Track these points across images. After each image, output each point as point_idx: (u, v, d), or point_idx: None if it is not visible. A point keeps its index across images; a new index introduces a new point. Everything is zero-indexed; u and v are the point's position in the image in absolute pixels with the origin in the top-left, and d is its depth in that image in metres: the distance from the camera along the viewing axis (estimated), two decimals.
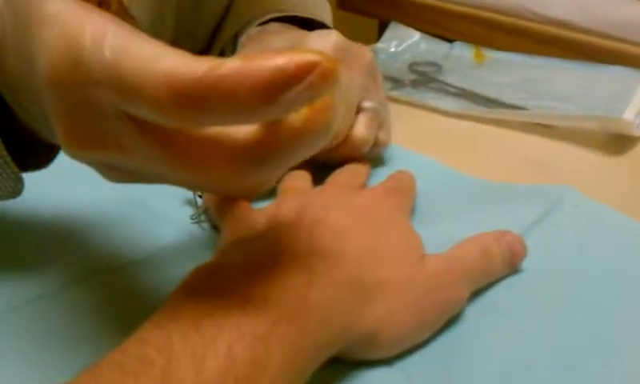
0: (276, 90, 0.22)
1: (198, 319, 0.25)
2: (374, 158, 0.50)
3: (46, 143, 0.34)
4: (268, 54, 0.22)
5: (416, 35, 0.85)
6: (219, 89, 0.22)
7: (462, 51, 0.81)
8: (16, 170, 0.34)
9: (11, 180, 0.34)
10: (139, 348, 0.24)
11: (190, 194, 0.44)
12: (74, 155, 0.28)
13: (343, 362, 0.31)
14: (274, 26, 0.56)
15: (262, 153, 0.25)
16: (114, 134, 0.26)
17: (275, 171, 0.27)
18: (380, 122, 0.49)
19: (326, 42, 0.47)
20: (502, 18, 1.14)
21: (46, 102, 0.27)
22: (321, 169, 0.46)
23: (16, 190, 0.35)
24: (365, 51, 0.50)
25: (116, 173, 0.29)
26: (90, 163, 0.29)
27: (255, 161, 0.25)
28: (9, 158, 0.33)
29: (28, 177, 0.35)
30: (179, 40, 0.65)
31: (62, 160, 0.47)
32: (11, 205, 0.39)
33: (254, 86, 0.22)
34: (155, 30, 0.59)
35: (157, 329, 0.25)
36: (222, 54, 0.66)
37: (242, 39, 0.57)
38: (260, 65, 0.22)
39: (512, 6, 1.14)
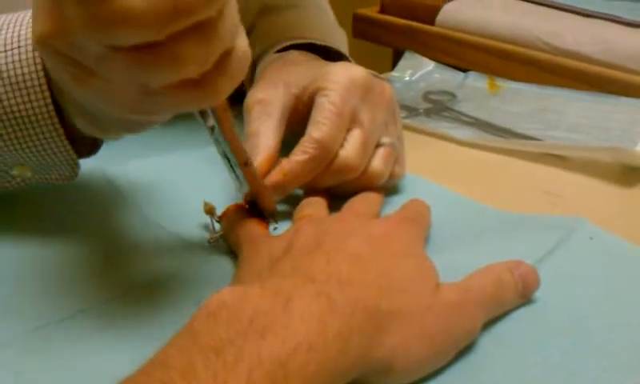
0: None
1: (219, 345, 0.25)
2: (388, 187, 0.51)
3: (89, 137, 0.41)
4: None
5: (430, 64, 0.87)
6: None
7: (476, 81, 0.82)
8: (74, 156, 0.41)
9: (70, 166, 0.42)
10: (163, 372, 0.24)
11: (207, 219, 0.45)
12: (47, 45, 0.31)
13: None
14: (294, 53, 0.57)
15: None
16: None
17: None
18: (396, 156, 0.50)
19: (349, 76, 0.48)
20: (516, 49, 1.15)
21: None
22: (335, 197, 0.48)
23: (73, 174, 0.43)
24: (386, 87, 0.51)
25: (80, 72, 0.31)
26: (53, 60, 0.32)
27: None
28: (69, 147, 0.40)
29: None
30: None
31: (86, 184, 0.49)
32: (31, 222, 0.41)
33: None
34: None
35: (178, 352, 0.25)
36: None
37: (261, 65, 0.58)
38: None
39: (526, 36, 1.15)
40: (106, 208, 0.48)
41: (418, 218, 0.43)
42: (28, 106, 0.38)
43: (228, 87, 0.32)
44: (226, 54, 0.31)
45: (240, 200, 0.45)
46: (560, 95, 0.78)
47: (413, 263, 0.36)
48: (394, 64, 0.88)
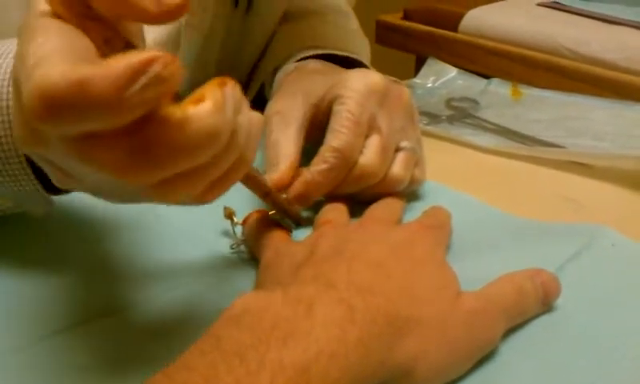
0: (125, 81, 0.23)
1: (242, 350, 0.26)
2: (409, 193, 0.51)
3: None
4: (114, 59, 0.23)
5: (453, 71, 0.87)
6: (75, 94, 0.23)
7: (499, 88, 0.82)
8: (46, 195, 0.39)
9: (44, 202, 0.40)
10: (186, 374, 0.25)
11: (228, 224, 0.45)
12: (24, 150, 0.31)
13: None
14: (312, 63, 0.57)
15: (147, 145, 0.25)
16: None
17: (172, 167, 0.27)
18: (416, 160, 0.50)
19: (366, 82, 0.48)
20: (540, 56, 1.14)
21: None
22: (356, 202, 0.48)
23: (48, 209, 0.41)
24: (403, 91, 0.51)
25: (59, 174, 0.30)
26: (37, 160, 0.31)
27: (140, 153, 0.25)
28: (39, 186, 0.38)
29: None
30: (225, 62, 0.67)
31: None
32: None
33: (106, 84, 0.23)
34: (199, 65, 0.61)
35: (201, 356, 0.26)
36: (262, 87, 0.67)
37: (280, 75, 0.58)
38: (108, 66, 0.23)
39: (549, 43, 1.14)
40: (126, 217, 0.49)
41: (440, 225, 0.43)
42: None
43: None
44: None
45: (262, 206, 0.46)
46: (584, 102, 0.77)
47: (434, 271, 0.36)
48: (417, 71, 0.88)
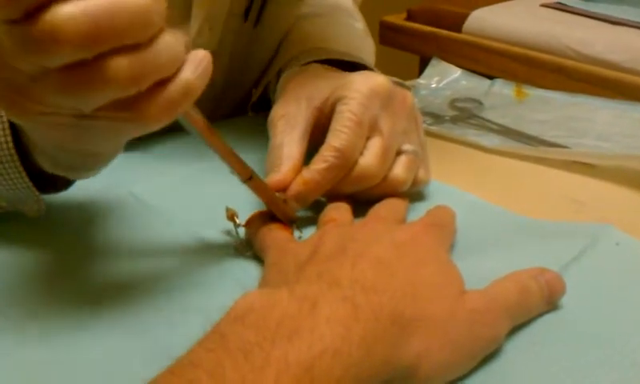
0: None
1: (247, 347, 0.26)
2: (413, 193, 0.51)
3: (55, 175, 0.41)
4: None
5: (457, 72, 0.86)
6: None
7: (503, 88, 0.82)
8: (37, 193, 0.42)
9: (35, 202, 0.43)
10: (191, 371, 0.25)
11: (230, 226, 0.46)
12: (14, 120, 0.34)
13: None
14: (316, 67, 0.57)
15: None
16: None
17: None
18: (419, 163, 0.50)
19: (370, 85, 0.48)
20: (544, 56, 1.14)
21: None
22: (359, 203, 0.48)
23: (40, 209, 0.44)
24: (407, 95, 0.51)
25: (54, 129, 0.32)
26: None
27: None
28: (31, 184, 0.41)
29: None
30: (233, 73, 0.67)
31: (112, 200, 0.50)
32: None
33: None
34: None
35: (207, 354, 0.26)
36: (267, 86, 0.68)
37: (283, 78, 0.58)
38: None
39: (554, 44, 1.14)
40: (132, 219, 0.49)
41: (444, 224, 0.43)
42: None
43: (163, 115, 0.32)
44: (163, 82, 0.31)
45: (262, 207, 0.46)
46: (588, 103, 0.77)
47: (438, 269, 0.36)
48: (421, 71, 0.88)
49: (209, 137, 0.38)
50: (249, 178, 0.42)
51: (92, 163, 0.39)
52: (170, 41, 0.31)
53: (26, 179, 0.41)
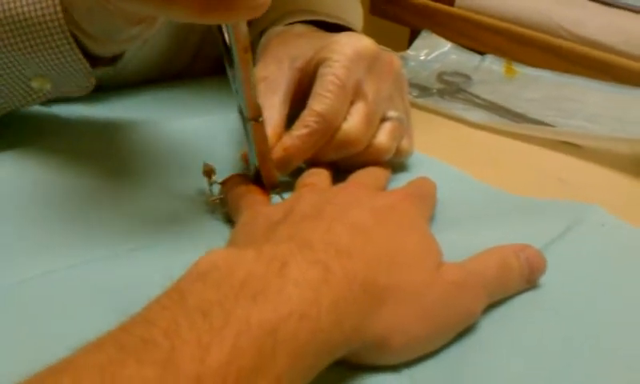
0: None
1: (207, 306, 0.24)
2: (395, 163, 0.49)
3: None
4: None
5: (447, 45, 0.85)
6: None
7: (493, 64, 0.80)
8: (87, 64, 0.43)
9: (84, 76, 0.44)
10: (144, 328, 0.23)
11: (205, 183, 0.44)
12: None
13: (350, 365, 0.30)
14: (299, 27, 0.55)
15: None
16: None
17: None
18: (403, 130, 0.49)
19: (355, 47, 0.46)
20: (536, 35, 1.12)
21: None
22: (340, 171, 0.46)
23: (89, 85, 0.45)
24: (393, 59, 0.49)
25: None
26: None
27: None
28: (81, 55, 0.42)
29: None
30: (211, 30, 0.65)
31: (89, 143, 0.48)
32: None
33: None
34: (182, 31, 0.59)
35: (163, 311, 0.24)
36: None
37: (265, 38, 0.56)
38: None
39: (547, 23, 1.13)
40: (106, 168, 0.47)
41: (424, 195, 0.42)
42: (39, 12, 0.40)
43: (243, 9, 0.32)
44: None
45: (245, 171, 0.44)
46: (578, 84, 0.76)
47: (416, 239, 0.35)
48: (410, 43, 0.86)
49: (242, 57, 0.38)
50: (257, 117, 0.40)
51: (125, 30, 0.41)
52: None
53: (77, 50, 0.41)
